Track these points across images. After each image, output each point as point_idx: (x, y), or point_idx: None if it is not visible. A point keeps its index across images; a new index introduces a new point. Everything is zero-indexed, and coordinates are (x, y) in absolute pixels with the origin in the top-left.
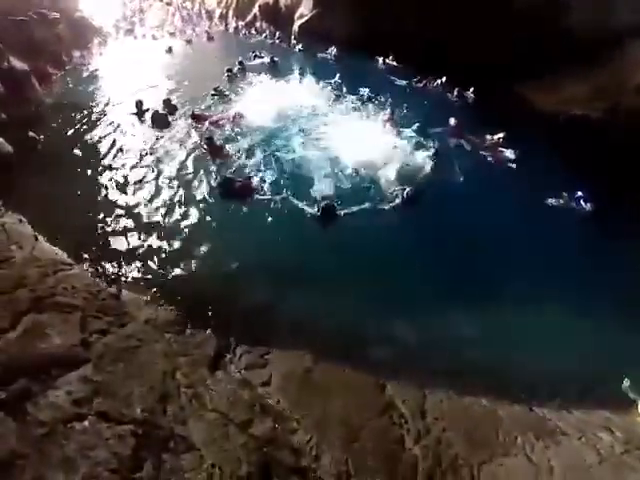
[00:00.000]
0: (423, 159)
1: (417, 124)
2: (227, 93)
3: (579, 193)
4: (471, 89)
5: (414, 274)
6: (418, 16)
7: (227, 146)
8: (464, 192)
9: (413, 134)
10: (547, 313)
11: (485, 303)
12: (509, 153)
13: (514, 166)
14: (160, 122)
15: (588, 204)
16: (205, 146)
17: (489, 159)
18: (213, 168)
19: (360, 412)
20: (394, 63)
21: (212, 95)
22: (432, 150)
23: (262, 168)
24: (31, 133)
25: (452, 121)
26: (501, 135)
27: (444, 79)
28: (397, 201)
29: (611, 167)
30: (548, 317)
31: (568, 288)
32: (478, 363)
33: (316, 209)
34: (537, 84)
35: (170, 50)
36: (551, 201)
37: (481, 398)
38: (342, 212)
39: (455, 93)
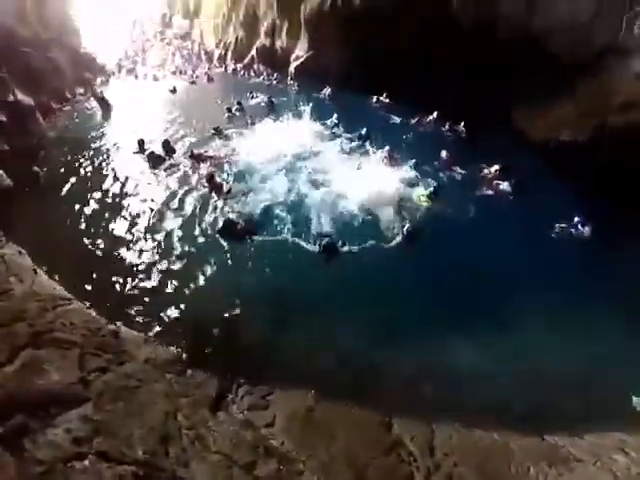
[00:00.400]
0: (418, 196)
1: (414, 160)
2: (226, 133)
3: (576, 219)
4: (462, 123)
5: (416, 310)
6: (408, 49)
7: (226, 185)
8: (463, 226)
9: (411, 171)
10: (553, 341)
11: (489, 334)
12: (506, 185)
13: (511, 197)
14: (156, 162)
15: (586, 228)
16: (205, 184)
17: (487, 192)
18: (213, 206)
19: (367, 450)
20: (387, 100)
21: (212, 134)
22: (431, 187)
23: (262, 208)
24: (34, 167)
25: (444, 154)
26: (497, 167)
27: (435, 114)
28: (398, 238)
29: (604, 186)
30: (554, 345)
31: (574, 314)
32: (485, 395)
33: (317, 247)
34: (525, 110)
35: (174, 90)
36: (551, 229)
37: (491, 431)
38: (343, 249)
39: (447, 127)
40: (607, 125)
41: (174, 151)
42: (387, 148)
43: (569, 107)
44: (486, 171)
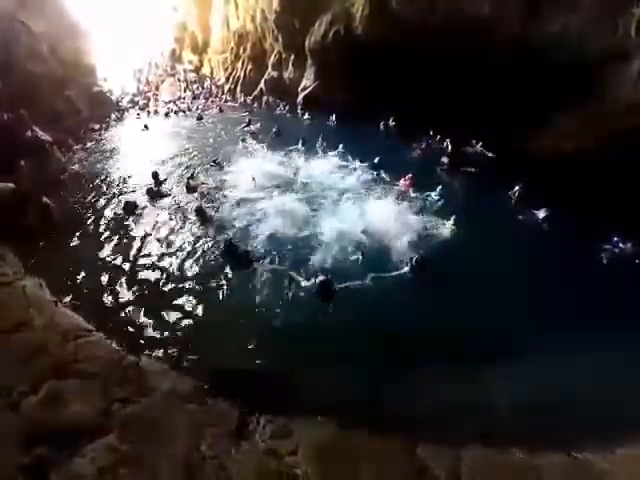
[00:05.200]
0: (443, 224)
1: (440, 187)
2: (224, 165)
3: (615, 238)
4: (480, 143)
5: (428, 340)
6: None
7: (227, 215)
8: (491, 258)
9: (432, 197)
10: (578, 361)
11: (509, 357)
12: (542, 212)
13: (545, 225)
14: (154, 196)
15: (628, 244)
16: (196, 216)
17: (522, 219)
18: (213, 237)
19: (392, 477)
20: (394, 124)
21: (211, 166)
22: (453, 216)
23: (267, 235)
24: (51, 200)
25: (445, 159)
26: (518, 188)
27: (430, 134)
28: (406, 269)
29: (628, 195)
30: (579, 365)
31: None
32: (509, 418)
33: (313, 284)
34: (529, 126)
35: (200, 117)
36: (594, 253)
37: (518, 452)
38: (343, 285)
39: (446, 145)
40: (617, 129)
41: (161, 182)
42: (408, 176)
43: (572, 120)
44: (510, 193)
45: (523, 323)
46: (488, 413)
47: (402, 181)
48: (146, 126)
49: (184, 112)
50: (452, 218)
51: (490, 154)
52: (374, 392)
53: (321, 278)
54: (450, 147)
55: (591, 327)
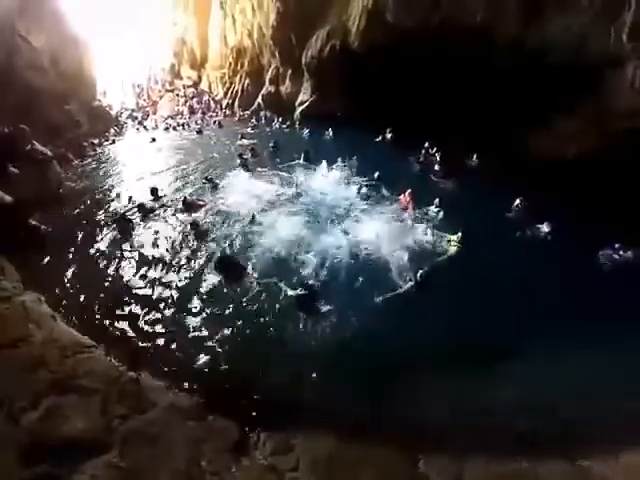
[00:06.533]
0: (448, 241)
1: (437, 200)
2: (217, 182)
3: (616, 245)
4: (474, 155)
5: (428, 353)
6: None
7: (222, 229)
8: (499, 272)
9: (432, 211)
10: (579, 366)
11: (508, 363)
12: (545, 226)
13: (549, 237)
14: (145, 212)
15: (629, 252)
16: (191, 230)
17: (527, 233)
18: (207, 252)
19: None
20: (390, 136)
21: (203, 183)
22: (459, 233)
23: (262, 251)
24: (46, 215)
25: (437, 167)
26: (520, 201)
27: (427, 145)
28: (409, 284)
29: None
30: (580, 371)
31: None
32: (513, 426)
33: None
34: (528, 129)
35: (200, 132)
36: (600, 259)
37: (521, 460)
38: (325, 307)
39: (436, 157)
40: (615, 133)
41: (160, 198)
42: (408, 192)
43: (571, 122)
44: (513, 205)
45: (527, 333)
46: (490, 422)
47: (402, 197)
48: (154, 139)
49: (183, 127)
50: (456, 234)
51: (488, 165)
52: (374, 404)
53: (302, 293)
54: (439, 158)
55: (597, 336)
